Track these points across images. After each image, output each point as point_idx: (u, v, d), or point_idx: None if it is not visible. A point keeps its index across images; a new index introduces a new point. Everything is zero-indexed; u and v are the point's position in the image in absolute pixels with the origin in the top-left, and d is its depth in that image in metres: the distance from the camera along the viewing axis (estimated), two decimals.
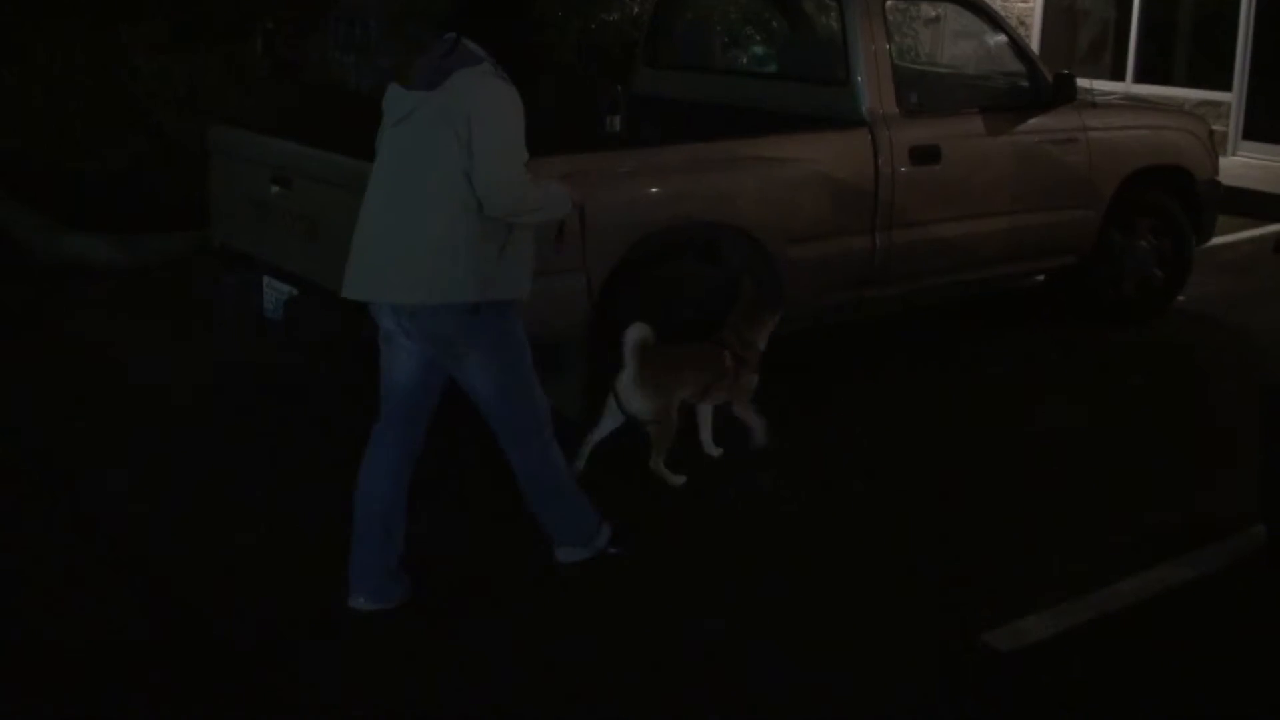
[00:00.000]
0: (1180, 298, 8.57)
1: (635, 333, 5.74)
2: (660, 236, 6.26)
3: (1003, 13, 8.03)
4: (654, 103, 8.06)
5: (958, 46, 8.20)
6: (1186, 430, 6.72)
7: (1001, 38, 7.84)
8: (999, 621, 4.81)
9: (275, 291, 6.47)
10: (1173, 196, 8.34)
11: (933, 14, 8.27)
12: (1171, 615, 4.95)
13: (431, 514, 5.34)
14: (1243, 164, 12.82)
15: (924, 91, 7.51)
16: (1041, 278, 8.42)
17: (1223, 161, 9.48)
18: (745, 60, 8.25)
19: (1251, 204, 11.26)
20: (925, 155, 7.11)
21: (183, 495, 5.83)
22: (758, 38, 8.14)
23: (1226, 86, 13.49)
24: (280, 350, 7.18)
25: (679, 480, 5.88)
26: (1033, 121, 7.65)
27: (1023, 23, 14.79)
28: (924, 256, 7.22)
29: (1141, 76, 14.36)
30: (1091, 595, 5.03)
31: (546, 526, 5.09)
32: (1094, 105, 7.96)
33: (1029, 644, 4.71)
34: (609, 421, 5.90)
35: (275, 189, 6.43)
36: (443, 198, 4.53)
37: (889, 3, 7.21)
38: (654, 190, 6.28)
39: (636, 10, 10.71)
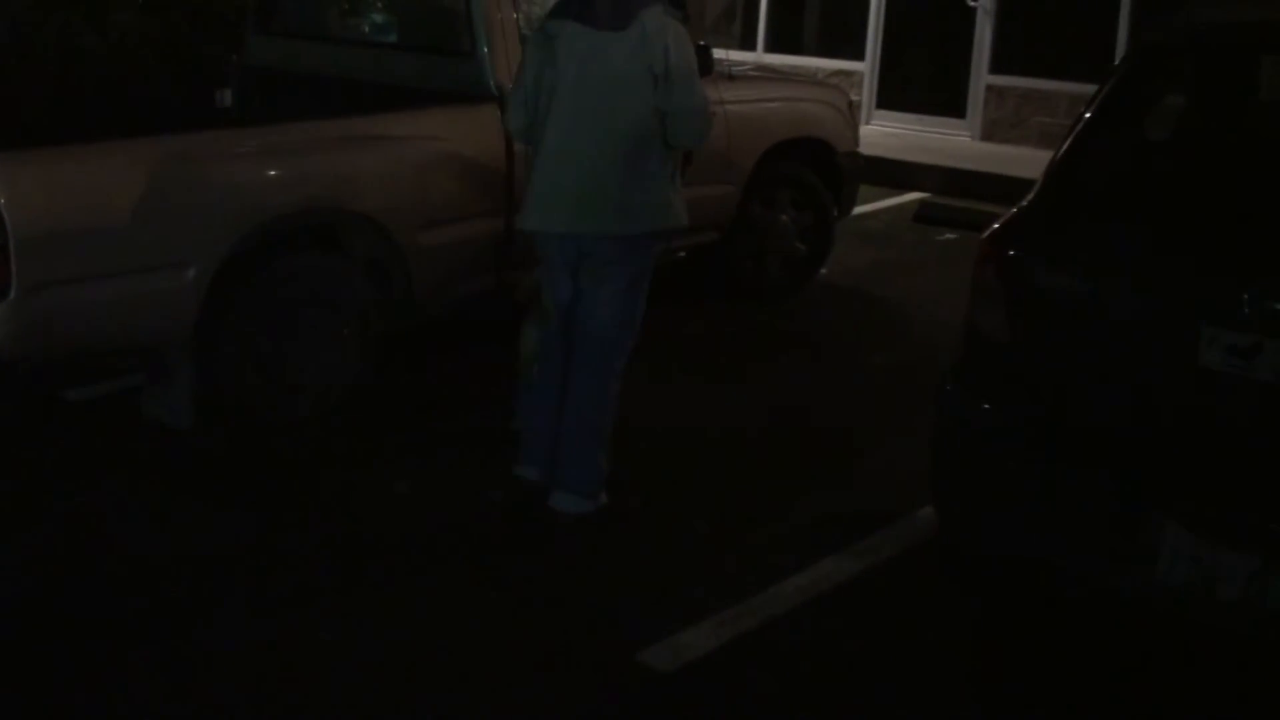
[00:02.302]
0: (823, 270, 8.44)
1: None
2: (275, 225, 5.69)
3: None
4: (267, 75, 7.42)
5: None
6: (834, 412, 6.50)
7: None
8: (657, 637, 4.43)
9: None
10: (813, 169, 8.18)
11: None
12: (839, 613, 4.68)
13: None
14: (878, 132, 12.91)
15: None
16: (683, 255, 8.13)
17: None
18: (365, 29, 7.69)
19: (889, 172, 11.31)
20: None
21: None
22: (377, 5, 7.58)
23: (859, 56, 13.57)
24: None
25: None
26: None
27: None
28: None
29: (773, 46, 14.34)
30: (754, 599, 4.71)
31: (562, 469, 5.16)
32: (731, 78, 7.69)
33: (690, 660, 4.35)
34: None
35: None
36: (635, 130, 4.86)
37: None
38: (268, 173, 5.69)
39: None
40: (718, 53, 7.54)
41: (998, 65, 12.80)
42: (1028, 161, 11.72)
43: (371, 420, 6.02)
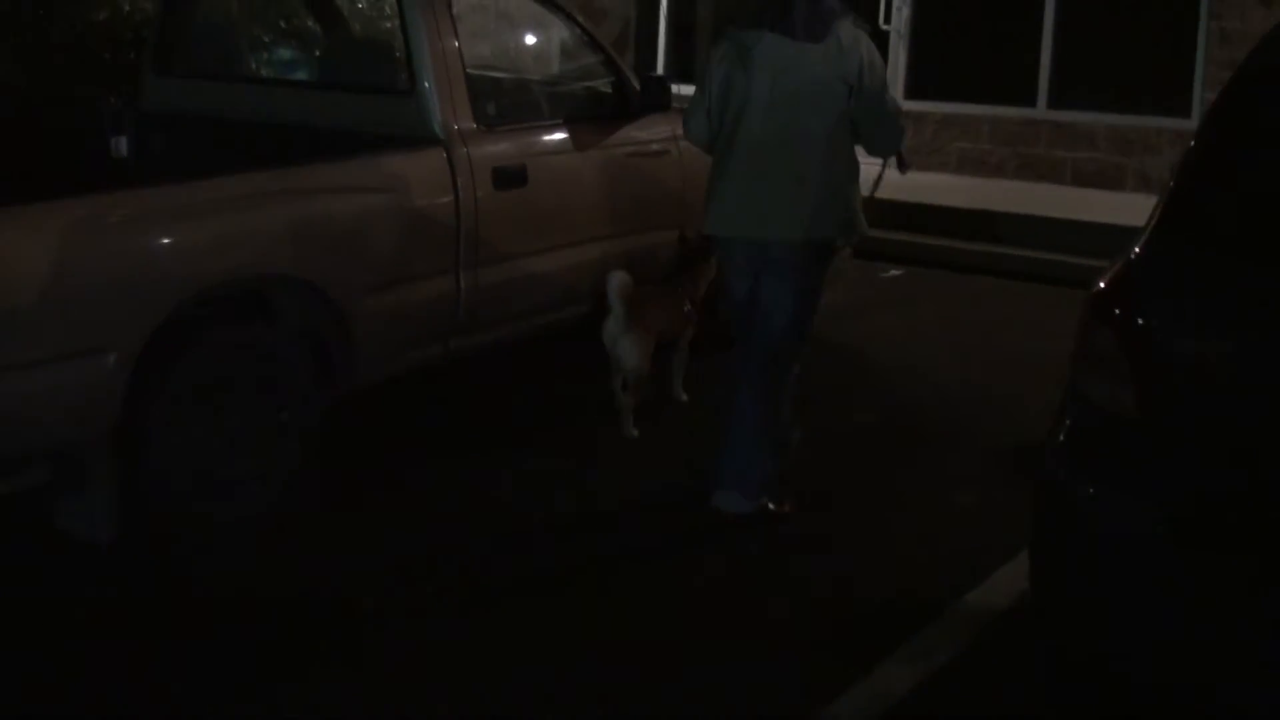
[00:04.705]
0: None
1: (618, 277, 5.93)
2: (202, 298, 4.89)
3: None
4: (169, 120, 6.60)
5: (531, 47, 7.13)
6: (829, 481, 5.78)
7: (579, 36, 6.83)
8: None
9: None
10: None
11: (501, 8, 7.16)
12: None
13: None
14: None
15: (502, 101, 6.39)
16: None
17: None
18: (285, 65, 6.90)
19: None
20: (510, 177, 6.00)
21: None
22: (299, 38, 6.80)
23: None
24: None
25: (634, 432, 6.07)
26: (623, 133, 6.69)
27: None
28: (516, 296, 6.13)
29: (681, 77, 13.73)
30: None
31: (726, 466, 5.25)
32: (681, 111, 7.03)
33: None
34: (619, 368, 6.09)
35: None
36: (830, 138, 5.02)
37: None
38: (193, 238, 4.86)
39: (128, 8, 9.09)
40: None
41: (914, 90, 12.32)
42: (952, 190, 11.29)
43: (318, 509, 5.24)
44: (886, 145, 5.26)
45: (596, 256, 6.51)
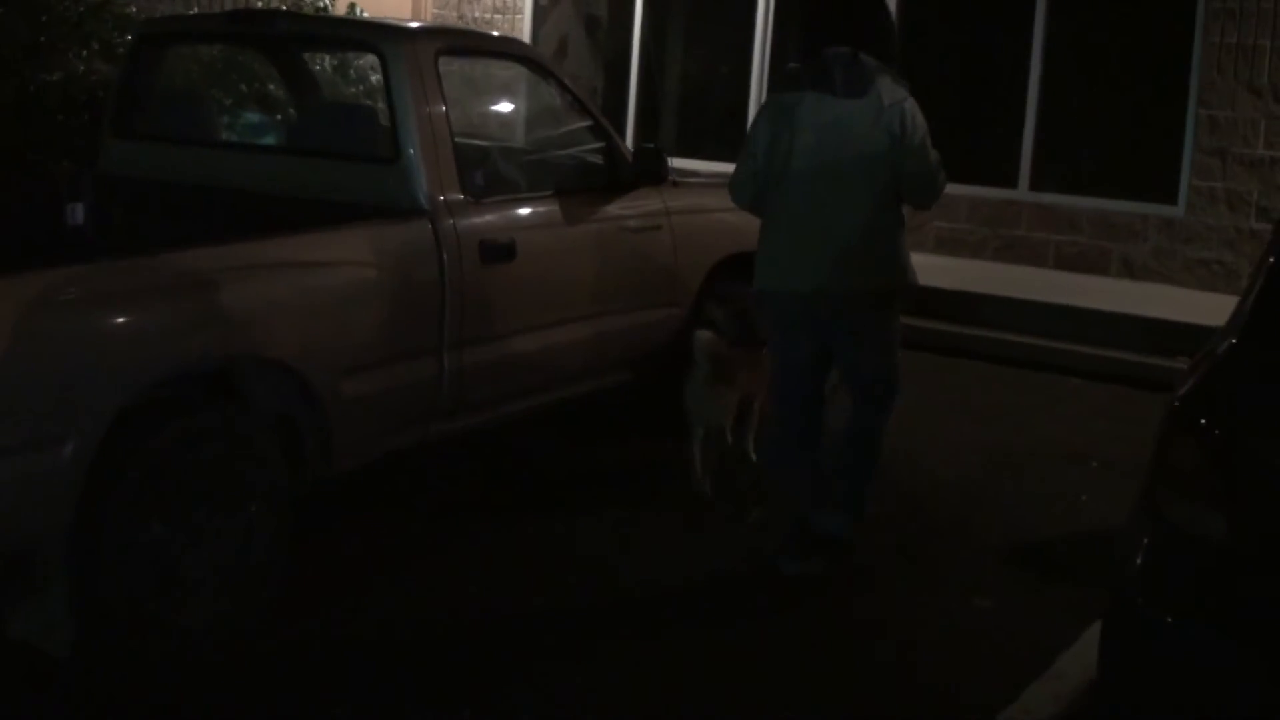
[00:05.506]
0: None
1: (704, 336, 6.11)
2: (165, 382, 4.47)
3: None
4: (130, 186, 6.16)
5: (521, 115, 6.77)
6: (850, 575, 5.43)
7: (572, 104, 6.47)
8: None
9: None
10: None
11: (489, 74, 6.81)
12: None
13: None
14: None
15: (490, 171, 6.01)
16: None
17: None
18: (258, 129, 6.48)
19: None
20: (498, 252, 5.62)
21: None
22: (274, 100, 6.38)
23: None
24: None
25: (706, 489, 6.21)
26: (614, 206, 6.33)
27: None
28: (503, 378, 5.74)
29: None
30: None
31: (837, 492, 5.40)
32: (675, 185, 6.68)
33: None
34: (699, 428, 6.15)
35: None
36: (877, 191, 5.11)
37: (442, 60, 5.68)
38: (154, 317, 4.43)
39: (84, 68, 8.65)
40: None
41: None
42: (935, 270, 10.95)
43: (288, 609, 4.81)
44: (926, 197, 5.30)
45: (587, 335, 6.17)
